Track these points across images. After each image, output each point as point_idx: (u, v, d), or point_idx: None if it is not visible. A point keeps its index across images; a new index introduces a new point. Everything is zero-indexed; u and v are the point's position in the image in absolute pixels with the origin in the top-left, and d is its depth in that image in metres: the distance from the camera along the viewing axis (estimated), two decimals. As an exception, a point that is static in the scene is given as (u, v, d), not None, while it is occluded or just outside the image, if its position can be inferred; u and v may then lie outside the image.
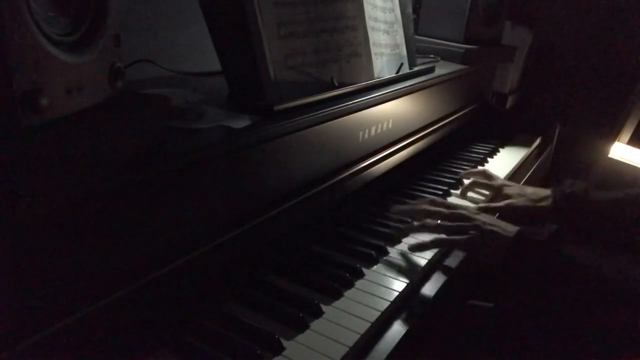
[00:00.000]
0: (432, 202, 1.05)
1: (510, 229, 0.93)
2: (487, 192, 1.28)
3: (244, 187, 0.77)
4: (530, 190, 1.26)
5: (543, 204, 1.20)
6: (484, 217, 0.97)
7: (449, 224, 0.98)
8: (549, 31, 2.22)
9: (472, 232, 0.94)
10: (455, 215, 0.99)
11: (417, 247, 0.96)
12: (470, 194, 1.28)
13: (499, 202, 1.23)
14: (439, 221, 0.99)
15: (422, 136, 1.31)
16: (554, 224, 0.89)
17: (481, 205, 1.21)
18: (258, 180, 0.80)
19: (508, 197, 1.24)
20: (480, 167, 1.37)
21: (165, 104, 0.65)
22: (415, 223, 1.01)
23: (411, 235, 1.01)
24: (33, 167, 0.46)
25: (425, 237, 0.98)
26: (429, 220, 1.00)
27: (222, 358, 0.68)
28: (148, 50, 0.99)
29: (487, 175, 1.32)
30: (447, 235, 0.97)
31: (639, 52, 2.13)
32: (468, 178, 1.33)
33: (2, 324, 0.49)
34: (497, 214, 1.16)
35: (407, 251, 0.97)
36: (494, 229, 0.93)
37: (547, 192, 1.22)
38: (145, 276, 0.62)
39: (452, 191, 1.29)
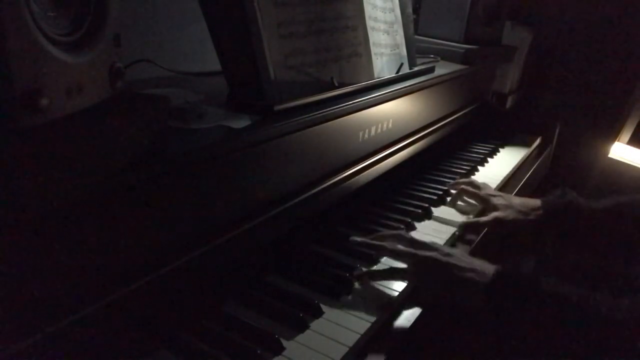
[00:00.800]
0: (397, 239, 0.93)
1: (486, 269, 0.84)
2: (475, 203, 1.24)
3: (244, 187, 0.77)
4: (517, 201, 1.20)
5: (531, 217, 1.16)
6: (456, 260, 0.86)
7: (412, 258, 0.87)
8: (549, 31, 2.22)
9: (444, 278, 0.85)
10: (412, 243, 0.89)
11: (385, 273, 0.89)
12: (460, 203, 1.24)
13: (486, 215, 1.17)
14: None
15: (422, 136, 1.31)
16: (544, 238, 0.85)
17: (468, 221, 1.14)
18: (258, 180, 0.80)
19: (495, 208, 1.18)
20: (465, 179, 1.31)
21: (165, 104, 0.65)
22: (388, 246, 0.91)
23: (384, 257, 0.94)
24: (33, 167, 0.46)
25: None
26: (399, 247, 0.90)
27: (222, 358, 0.68)
28: (148, 50, 0.99)
29: (474, 185, 1.26)
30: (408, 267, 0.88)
31: (639, 52, 2.13)
32: (455, 189, 1.27)
33: (2, 324, 0.49)
34: (484, 230, 1.13)
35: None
36: (470, 274, 0.83)
37: (536, 202, 1.18)
38: (145, 276, 0.62)
39: (452, 191, 1.29)
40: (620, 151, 2.18)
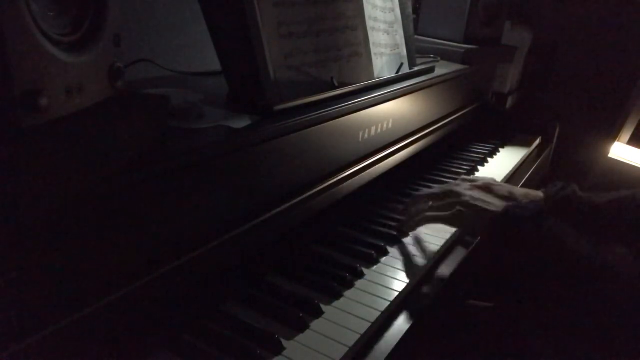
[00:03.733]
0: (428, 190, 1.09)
1: (499, 203, 0.96)
2: None
3: (243, 187, 0.77)
4: (520, 191, 1.20)
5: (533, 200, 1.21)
6: (474, 193, 1.00)
7: (440, 202, 1.01)
8: (549, 31, 2.21)
9: (460, 208, 0.97)
10: (446, 193, 1.01)
11: (404, 225, 1.01)
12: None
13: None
14: (430, 203, 1.03)
15: (422, 136, 1.31)
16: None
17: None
18: (258, 180, 0.80)
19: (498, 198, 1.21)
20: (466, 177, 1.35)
21: (165, 104, 0.65)
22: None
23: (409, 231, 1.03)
24: (33, 167, 0.46)
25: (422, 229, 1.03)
26: (420, 207, 1.03)
27: (222, 358, 0.68)
28: (148, 50, 0.99)
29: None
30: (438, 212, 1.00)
31: (639, 52, 2.13)
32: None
33: (2, 324, 0.49)
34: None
35: (408, 251, 0.97)
36: (482, 205, 0.96)
37: (538, 194, 1.18)
38: (145, 276, 0.62)
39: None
40: (620, 151, 2.18)
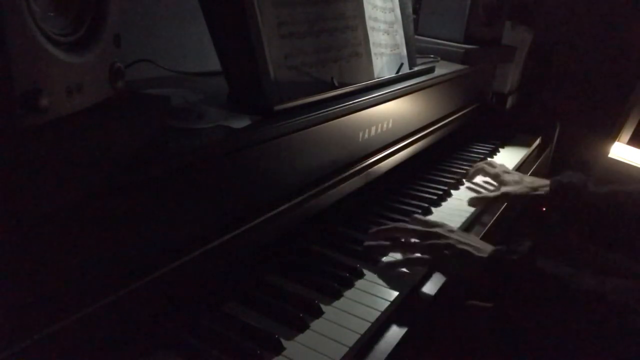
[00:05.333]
0: (410, 221, 1.03)
1: (485, 248, 0.90)
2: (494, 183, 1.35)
3: (244, 187, 0.77)
4: (528, 179, 1.30)
5: (540, 192, 1.24)
6: (457, 236, 0.94)
7: (423, 243, 0.94)
8: (549, 31, 2.21)
9: (445, 251, 0.91)
10: (430, 234, 0.95)
11: (390, 265, 0.93)
12: (477, 179, 1.37)
13: (496, 191, 1.28)
14: (412, 240, 0.96)
15: (422, 136, 1.31)
16: (554, 216, 0.90)
17: (477, 196, 1.26)
18: (258, 180, 0.80)
19: (505, 184, 1.29)
20: (483, 161, 1.43)
21: (165, 104, 0.65)
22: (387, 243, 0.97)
23: (387, 255, 0.97)
24: (33, 167, 0.46)
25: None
26: (403, 240, 0.97)
27: (222, 358, 0.68)
28: (148, 50, 0.99)
29: (491, 164, 1.38)
30: (421, 254, 0.93)
31: (639, 52, 2.13)
32: (476, 168, 1.39)
33: (2, 324, 0.49)
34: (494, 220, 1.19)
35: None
36: (467, 248, 0.90)
37: (545, 181, 1.25)
38: (145, 276, 0.62)
39: (452, 191, 1.29)
40: (620, 151, 2.18)
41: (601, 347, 0.78)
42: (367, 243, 0.97)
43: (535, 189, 1.25)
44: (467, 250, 0.89)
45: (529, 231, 1.45)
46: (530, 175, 1.54)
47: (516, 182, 1.29)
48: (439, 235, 0.94)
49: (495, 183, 1.34)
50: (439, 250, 0.91)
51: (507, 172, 1.34)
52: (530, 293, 0.83)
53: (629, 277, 0.82)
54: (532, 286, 0.83)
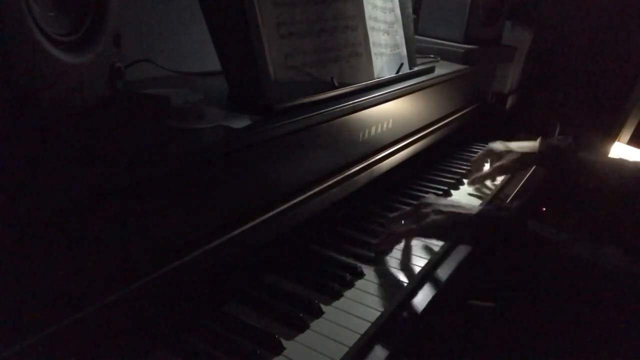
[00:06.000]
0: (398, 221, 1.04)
1: (472, 208, 0.93)
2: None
3: (243, 187, 0.77)
4: (514, 144, 1.35)
5: (528, 151, 1.30)
6: (443, 201, 0.98)
7: (412, 217, 0.97)
8: (549, 31, 2.21)
9: (434, 216, 0.93)
10: (417, 207, 0.98)
11: (378, 246, 0.96)
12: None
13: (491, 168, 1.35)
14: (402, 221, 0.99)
15: (422, 136, 1.31)
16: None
17: (474, 176, 1.33)
18: (258, 180, 0.80)
19: (499, 157, 1.34)
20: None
21: (165, 104, 0.65)
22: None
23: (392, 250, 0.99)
24: (33, 167, 0.46)
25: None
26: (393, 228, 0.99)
27: (222, 358, 0.68)
28: (148, 50, 0.99)
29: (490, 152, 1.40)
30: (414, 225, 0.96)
31: (639, 52, 2.13)
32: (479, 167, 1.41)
33: (2, 324, 0.49)
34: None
35: (408, 252, 0.97)
36: (454, 209, 0.93)
37: (533, 143, 1.31)
38: (145, 276, 0.62)
39: (452, 191, 1.29)
40: (620, 151, 2.18)
41: (597, 318, 0.79)
42: (374, 249, 0.98)
43: (524, 153, 1.31)
44: (455, 211, 0.92)
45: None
46: (529, 175, 1.54)
47: (505, 152, 1.34)
48: (425, 205, 0.97)
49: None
50: (427, 216, 0.94)
51: (500, 148, 1.38)
52: (522, 253, 0.85)
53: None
54: (523, 246, 0.85)
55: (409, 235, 0.98)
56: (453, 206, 0.94)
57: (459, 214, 0.91)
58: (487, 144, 1.43)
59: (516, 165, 1.31)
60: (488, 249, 0.90)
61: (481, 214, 0.90)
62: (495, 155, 1.36)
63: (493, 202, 1.23)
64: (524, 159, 1.31)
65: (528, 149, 1.31)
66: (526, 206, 0.92)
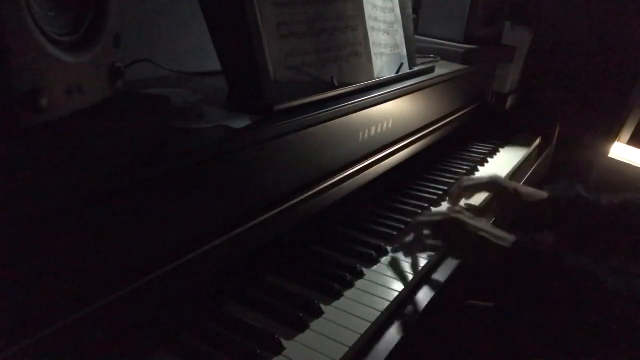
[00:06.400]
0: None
1: (505, 236, 0.88)
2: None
3: (244, 187, 0.77)
4: (524, 190, 1.20)
5: (536, 202, 1.16)
6: (478, 223, 0.91)
7: (440, 231, 0.93)
8: (549, 31, 2.22)
9: (463, 238, 0.90)
10: (446, 221, 0.93)
11: (405, 252, 0.94)
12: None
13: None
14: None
15: (422, 136, 1.31)
16: (553, 229, 0.87)
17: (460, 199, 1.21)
18: (258, 180, 0.80)
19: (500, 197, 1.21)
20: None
21: (165, 104, 0.65)
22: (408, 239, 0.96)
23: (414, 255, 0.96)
24: (33, 167, 0.46)
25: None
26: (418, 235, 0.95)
27: (222, 358, 0.68)
28: (148, 50, 0.99)
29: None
30: (439, 241, 0.93)
31: (639, 52, 2.13)
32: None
33: (2, 324, 0.49)
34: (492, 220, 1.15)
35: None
36: (486, 235, 0.88)
37: (542, 194, 1.17)
38: (145, 276, 0.62)
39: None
40: (620, 151, 2.18)
41: (597, 318, 0.78)
42: (394, 246, 0.98)
43: (533, 202, 1.16)
44: (487, 238, 0.87)
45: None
46: (529, 175, 1.54)
47: (515, 194, 1.18)
48: (456, 222, 0.92)
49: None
50: (456, 237, 0.90)
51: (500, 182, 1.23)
52: (557, 286, 0.81)
53: None
54: (558, 279, 0.81)
55: (432, 251, 0.95)
56: (486, 232, 0.88)
57: (492, 243, 0.86)
58: (495, 176, 1.24)
59: (525, 213, 1.18)
60: (516, 279, 0.86)
61: (518, 247, 0.85)
62: (498, 192, 1.22)
63: (525, 232, 1.04)
64: (532, 209, 1.16)
65: (536, 198, 1.16)
66: (563, 240, 0.87)
